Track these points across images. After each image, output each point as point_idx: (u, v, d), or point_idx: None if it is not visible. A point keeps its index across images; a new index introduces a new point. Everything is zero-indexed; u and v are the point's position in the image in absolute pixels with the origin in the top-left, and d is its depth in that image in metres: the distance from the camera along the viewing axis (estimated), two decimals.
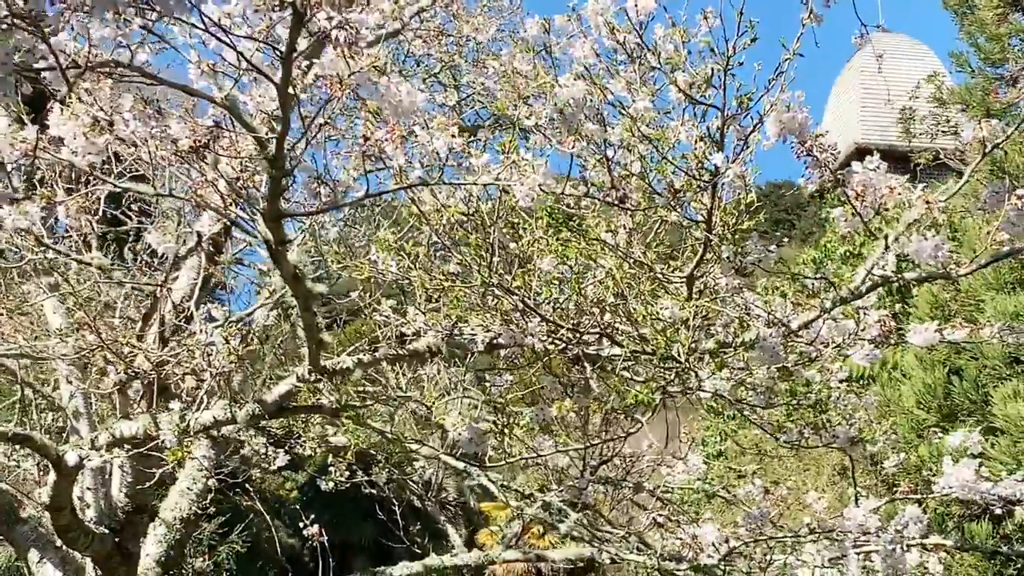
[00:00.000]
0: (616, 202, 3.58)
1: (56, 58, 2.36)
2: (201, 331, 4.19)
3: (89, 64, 2.50)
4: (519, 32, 9.89)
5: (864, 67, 24.23)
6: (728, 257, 3.68)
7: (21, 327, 5.54)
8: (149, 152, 3.05)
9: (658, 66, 3.68)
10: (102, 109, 2.98)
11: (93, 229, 5.13)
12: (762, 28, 3.78)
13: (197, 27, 2.62)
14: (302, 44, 2.76)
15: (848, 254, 14.05)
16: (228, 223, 4.39)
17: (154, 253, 5.45)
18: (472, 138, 4.36)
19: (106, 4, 2.29)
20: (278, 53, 2.69)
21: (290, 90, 2.86)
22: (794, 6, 3.81)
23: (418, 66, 11.19)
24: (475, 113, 10.92)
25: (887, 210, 3.58)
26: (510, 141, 3.37)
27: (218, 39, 2.69)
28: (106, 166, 3.44)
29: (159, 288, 4.73)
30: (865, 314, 4.27)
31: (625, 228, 3.87)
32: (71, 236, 5.08)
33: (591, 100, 3.96)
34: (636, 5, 4.14)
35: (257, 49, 3.03)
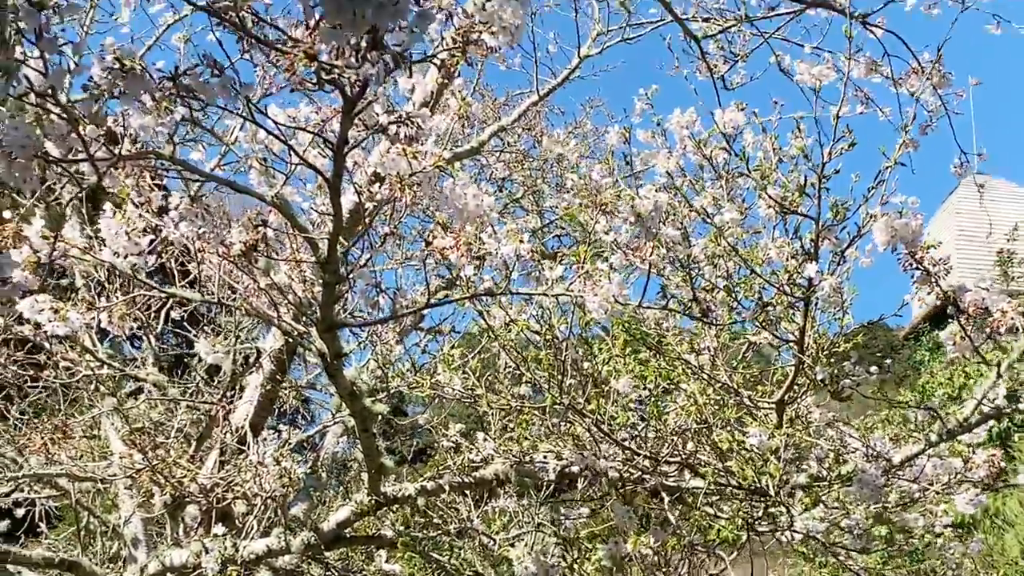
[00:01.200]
0: (699, 316, 3.32)
1: (85, 146, 2.20)
2: (254, 452, 3.97)
3: (123, 154, 2.34)
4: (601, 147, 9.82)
5: (960, 209, 23.79)
6: (823, 380, 3.39)
7: (80, 449, 5.38)
8: (196, 255, 2.88)
9: (746, 172, 3.45)
10: (145, 204, 2.83)
11: (150, 343, 5.00)
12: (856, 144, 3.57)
13: (243, 117, 2.46)
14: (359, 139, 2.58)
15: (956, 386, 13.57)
16: (290, 340, 4.21)
17: (215, 370, 5.28)
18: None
19: (138, 88, 2.13)
20: (329, 145, 2.52)
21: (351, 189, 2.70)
22: (885, 134, 3.61)
23: (500, 191, 11.12)
24: (557, 240, 10.78)
25: (1000, 335, 3.28)
26: (584, 251, 3.16)
27: (265, 130, 2.53)
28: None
29: (215, 407, 4.55)
30: (973, 452, 3.94)
31: (709, 349, 3.60)
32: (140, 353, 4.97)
33: (674, 212, 3.76)
34: (724, 118, 3.97)
35: (311, 144, 2.88)
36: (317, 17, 1.63)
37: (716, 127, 3.60)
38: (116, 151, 2.36)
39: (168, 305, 5.08)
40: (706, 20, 6.84)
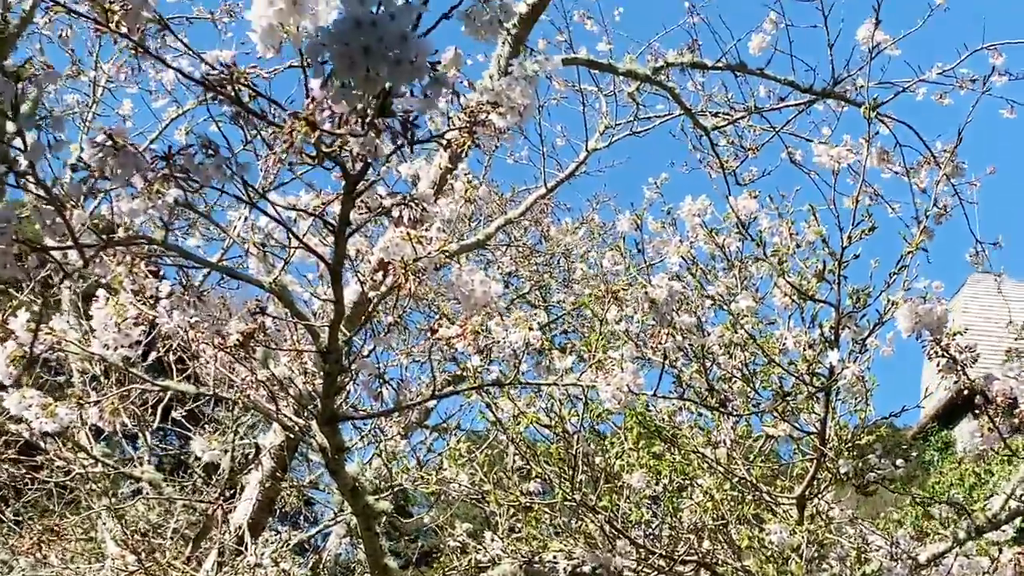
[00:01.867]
0: (717, 407, 3.21)
1: (70, 230, 2.12)
2: (252, 554, 3.84)
3: (111, 240, 2.26)
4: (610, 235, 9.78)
5: (967, 308, 23.67)
6: (847, 474, 3.27)
7: (74, 550, 5.24)
8: (188, 345, 2.78)
9: (763, 257, 3.37)
10: (138, 293, 2.75)
11: (146, 441, 4.88)
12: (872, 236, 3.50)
13: (240, 199, 2.38)
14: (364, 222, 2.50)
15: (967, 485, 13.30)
16: (291, 435, 4.10)
17: (214, 468, 5.15)
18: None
19: (130, 168, 2.06)
20: (330, 228, 2.44)
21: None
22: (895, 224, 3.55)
23: (507, 286, 11.07)
24: (564, 335, 10.68)
25: None
26: (596, 339, 3.07)
27: (263, 212, 2.44)
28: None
29: (212, 507, 4.41)
30: (999, 551, 3.80)
31: (726, 442, 3.49)
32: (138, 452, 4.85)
33: (687, 301, 3.68)
34: (738, 205, 3.91)
35: (311, 229, 2.81)
36: (326, 75, 1.55)
37: (730, 213, 3.53)
38: (106, 237, 2.28)
39: (165, 401, 4.98)
40: (716, 114, 6.84)
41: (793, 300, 3.59)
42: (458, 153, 3.99)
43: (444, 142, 2.54)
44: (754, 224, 3.73)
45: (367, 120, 1.70)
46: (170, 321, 2.86)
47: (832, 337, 3.22)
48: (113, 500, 5.35)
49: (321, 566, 7.86)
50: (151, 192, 2.30)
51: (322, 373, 2.88)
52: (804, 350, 3.37)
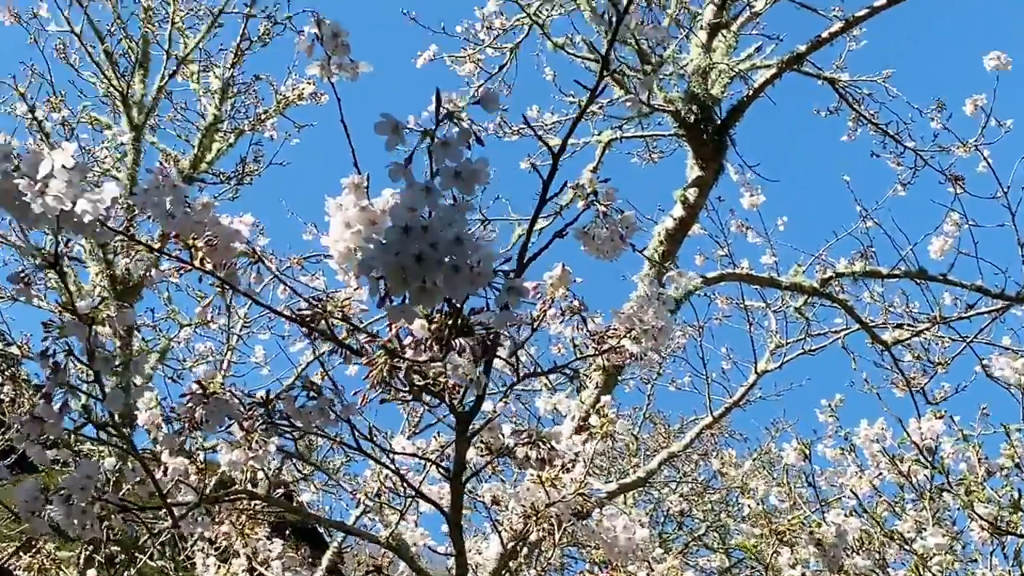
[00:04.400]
0: None
1: (156, 485, 2.12)
2: None
3: (206, 496, 2.25)
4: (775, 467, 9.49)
5: None
6: None
7: None
8: None
9: (948, 488, 3.18)
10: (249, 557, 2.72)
11: None
12: None
13: (351, 448, 2.35)
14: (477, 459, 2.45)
15: None
16: None
17: None
18: None
19: (219, 418, 2.05)
20: (443, 472, 2.39)
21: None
22: None
23: (679, 528, 10.80)
24: None
25: None
26: None
27: (373, 459, 2.41)
28: None
29: None
30: None
31: None
32: None
33: (869, 539, 3.49)
34: (922, 428, 3.75)
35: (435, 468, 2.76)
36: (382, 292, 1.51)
37: (906, 436, 3.36)
38: (201, 491, 2.27)
39: None
40: (898, 327, 6.67)
41: (991, 535, 3.37)
42: (606, 384, 3.94)
43: (570, 372, 2.50)
44: (939, 450, 3.56)
45: (443, 342, 1.66)
46: None
47: None
48: None
49: None
50: (250, 440, 2.30)
51: None
52: None
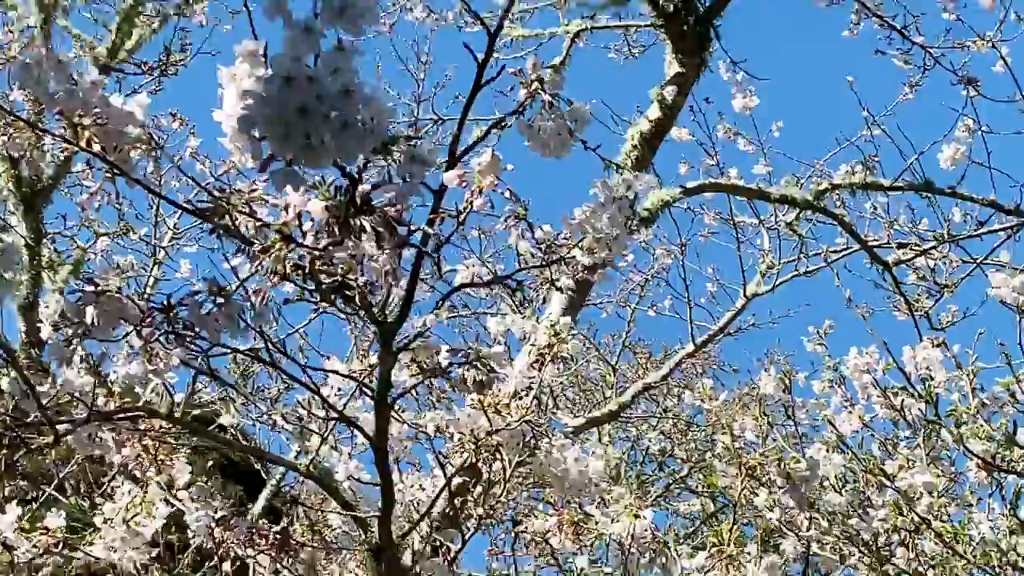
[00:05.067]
0: None
1: (37, 400, 2.11)
2: None
3: (101, 411, 2.25)
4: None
5: None
6: None
7: None
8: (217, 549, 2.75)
9: (936, 420, 3.22)
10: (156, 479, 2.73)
11: None
12: None
13: (256, 358, 2.36)
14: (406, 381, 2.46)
15: None
16: None
17: None
18: None
19: (112, 320, 2.04)
20: (368, 394, 2.40)
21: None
22: None
23: (660, 469, 10.88)
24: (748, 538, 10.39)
25: None
26: (728, 529, 2.95)
27: (286, 374, 2.42)
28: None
29: None
30: None
31: None
32: None
33: (851, 479, 3.55)
34: (918, 356, 3.77)
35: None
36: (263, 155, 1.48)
37: (892, 361, 3.40)
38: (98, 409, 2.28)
39: None
40: (901, 245, 6.69)
41: (987, 473, 3.42)
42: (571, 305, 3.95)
43: (512, 283, 2.50)
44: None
45: (341, 220, 1.64)
46: (194, 517, 2.83)
47: None
48: None
49: None
50: (150, 352, 2.29)
51: None
52: (1001, 537, 3.19)
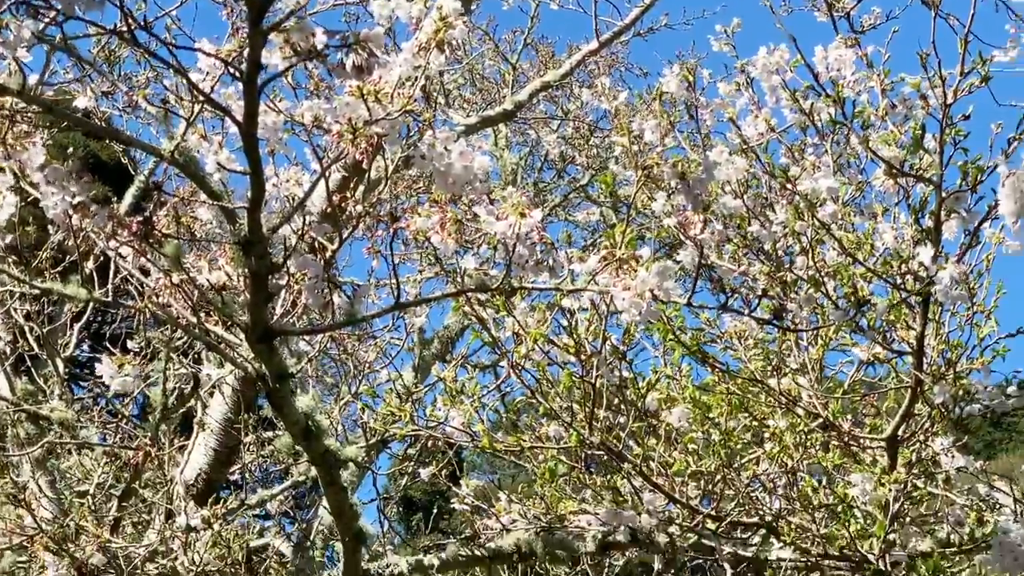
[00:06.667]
0: (771, 319, 3.17)
1: None
2: (186, 514, 3.87)
3: None
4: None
5: None
6: (943, 404, 3.20)
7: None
8: (74, 236, 2.76)
9: (843, 121, 3.29)
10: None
11: (57, 370, 4.91)
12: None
13: (124, 38, 2.34)
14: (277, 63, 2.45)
15: None
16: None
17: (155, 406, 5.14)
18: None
19: None
20: (238, 74, 2.39)
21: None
22: None
23: (560, 176, 10.97)
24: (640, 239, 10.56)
25: None
26: (620, 230, 3.01)
27: (148, 52, 2.41)
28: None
29: (136, 455, 4.40)
30: None
31: (791, 369, 3.44)
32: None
33: (757, 181, 3.63)
34: (829, 56, 3.81)
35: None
36: None
37: (800, 58, 3.44)
38: None
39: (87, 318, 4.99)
40: None
41: (896, 181, 3.50)
42: None
43: None
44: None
45: None
46: (51, 199, 2.81)
47: (933, 226, 3.13)
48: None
49: (311, 538, 7.93)
50: None
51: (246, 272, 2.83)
52: (902, 244, 3.30)
